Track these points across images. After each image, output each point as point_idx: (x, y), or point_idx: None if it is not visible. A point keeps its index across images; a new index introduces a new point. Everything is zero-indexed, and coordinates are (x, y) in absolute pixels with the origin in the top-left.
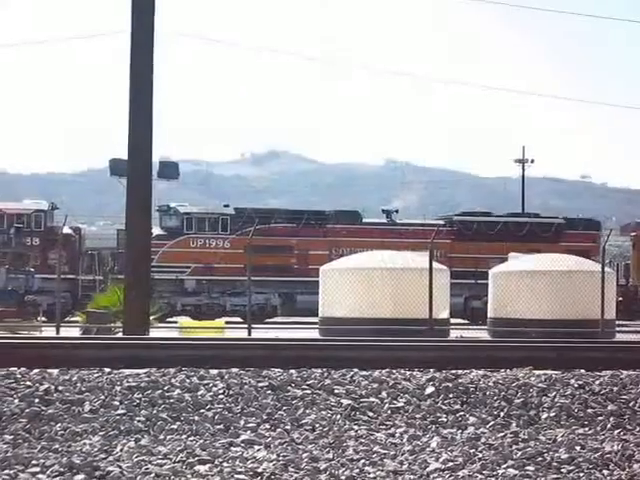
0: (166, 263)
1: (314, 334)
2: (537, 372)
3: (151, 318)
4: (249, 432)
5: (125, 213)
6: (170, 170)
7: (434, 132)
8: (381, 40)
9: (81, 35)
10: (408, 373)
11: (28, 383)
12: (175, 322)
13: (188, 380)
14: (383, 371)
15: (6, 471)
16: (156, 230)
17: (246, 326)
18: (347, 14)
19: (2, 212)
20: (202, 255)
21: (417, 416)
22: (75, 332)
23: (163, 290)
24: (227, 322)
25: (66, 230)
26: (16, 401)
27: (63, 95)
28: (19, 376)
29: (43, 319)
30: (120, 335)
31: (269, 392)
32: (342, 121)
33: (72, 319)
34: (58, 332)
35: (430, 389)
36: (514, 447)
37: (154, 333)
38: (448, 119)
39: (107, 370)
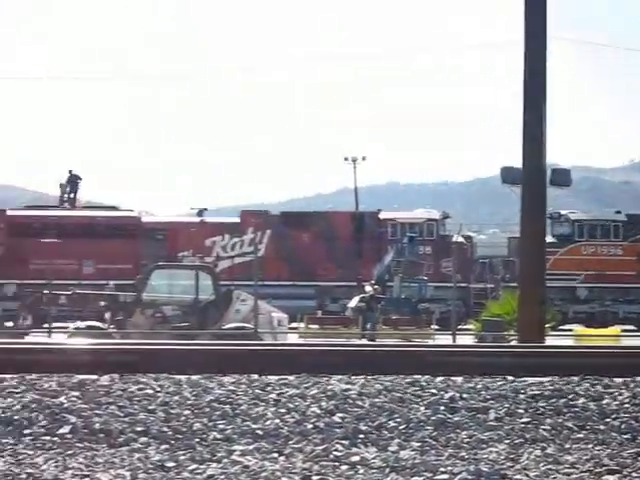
0: (557, 270)
1: None
2: None
3: (546, 326)
4: None
5: (519, 221)
6: (562, 177)
7: None
8: None
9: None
10: None
11: (433, 391)
12: (569, 330)
13: (592, 389)
14: None
15: (414, 478)
16: (547, 237)
17: None
18: None
19: (395, 221)
20: (594, 262)
21: None
22: (468, 340)
23: (555, 298)
24: (623, 330)
25: (458, 238)
26: (422, 408)
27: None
28: (424, 384)
29: (436, 327)
30: (514, 343)
31: None
32: None
33: (464, 327)
34: (454, 340)
35: None
36: None
37: (548, 341)
38: None
39: (510, 378)
